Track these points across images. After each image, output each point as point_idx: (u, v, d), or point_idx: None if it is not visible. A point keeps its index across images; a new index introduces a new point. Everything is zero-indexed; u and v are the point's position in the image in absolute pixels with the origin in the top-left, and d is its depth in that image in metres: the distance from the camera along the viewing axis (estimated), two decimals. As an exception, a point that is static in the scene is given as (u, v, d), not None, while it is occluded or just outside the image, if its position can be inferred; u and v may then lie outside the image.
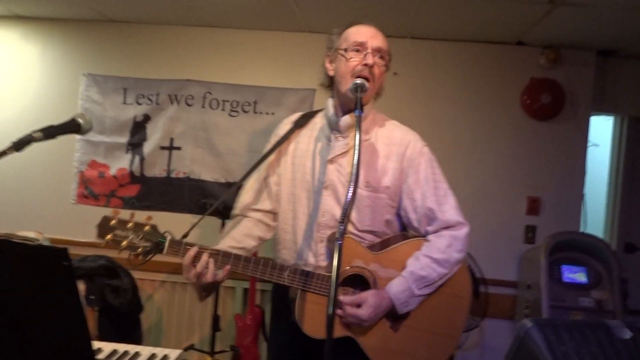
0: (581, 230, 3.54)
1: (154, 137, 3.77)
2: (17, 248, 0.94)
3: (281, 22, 3.54)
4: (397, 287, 1.69)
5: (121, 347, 1.46)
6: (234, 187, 1.93)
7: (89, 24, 3.83)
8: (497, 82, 3.60)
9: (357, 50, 1.73)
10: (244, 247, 1.83)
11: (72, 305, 0.98)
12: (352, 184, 1.38)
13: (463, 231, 1.77)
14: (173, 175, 3.77)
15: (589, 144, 3.56)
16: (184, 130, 3.76)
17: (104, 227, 1.60)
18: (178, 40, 3.78)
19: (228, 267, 1.65)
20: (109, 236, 1.58)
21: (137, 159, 3.79)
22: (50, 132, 1.37)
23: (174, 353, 1.44)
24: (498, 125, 3.60)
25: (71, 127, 1.45)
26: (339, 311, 1.67)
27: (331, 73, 1.82)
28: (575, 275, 3.21)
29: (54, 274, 0.95)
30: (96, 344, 1.48)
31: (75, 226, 3.70)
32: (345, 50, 1.74)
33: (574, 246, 3.27)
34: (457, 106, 3.62)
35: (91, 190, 3.81)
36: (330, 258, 1.73)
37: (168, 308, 3.74)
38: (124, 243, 1.58)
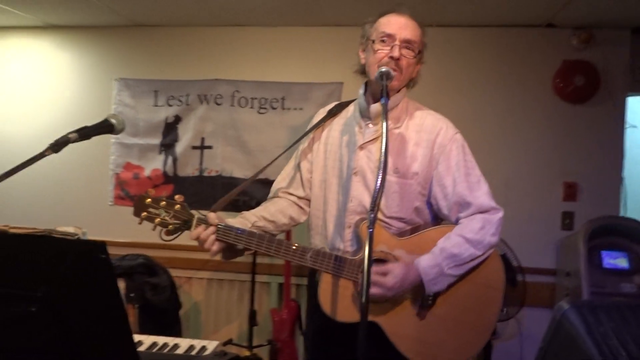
0: (621, 214, 3.44)
1: (186, 137, 3.84)
2: (57, 243, 0.97)
3: (307, 17, 3.55)
4: (427, 262, 1.66)
5: (161, 340, 1.49)
6: (255, 175, 1.94)
7: (118, 29, 3.92)
8: (528, 67, 3.53)
9: (384, 41, 1.73)
10: (274, 221, 1.85)
11: (113, 298, 1.01)
12: (381, 171, 1.38)
13: (497, 215, 1.73)
14: (205, 174, 3.83)
15: (627, 125, 3.46)
16: (214, 129, 3.81)
17: (139, 205, 1.68)
18: (205, 40, 3.84)
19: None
20: (144, 214, 1.66)
21: (170, 160, 3.86)
22: (84, 133, 1.41)
23: (211, 344, 1.47)
24: (530, 111, 3.53)
25: (105, 127, 1.49)
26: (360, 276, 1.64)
27: (363, 62, 1.83)
28: (616, 260, 3.13)
29: (93, 267, 0.98)
30: (137, 337, 1.52)
31: (113, 227, 3.80)
32: (374, 41, 1.75)
33: (613, 231, 3.18)
34: (486, 94, 3.56)
35: (127, 191, 3.90)
36: (357, 244, 1.75)
37: (206, 304, 3.80)
38: (157, 220, 1.66)
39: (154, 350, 1.43)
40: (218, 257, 1.74)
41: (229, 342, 3.47)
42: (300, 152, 1.95)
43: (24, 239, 0.98)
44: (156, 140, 3.88)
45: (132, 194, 3.89)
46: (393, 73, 1.66)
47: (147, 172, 3.88)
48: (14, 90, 4.04)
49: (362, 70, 1.85)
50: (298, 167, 1.94)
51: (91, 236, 3.84)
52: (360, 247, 1.73)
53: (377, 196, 1.36)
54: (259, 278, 3.60)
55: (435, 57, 3.52)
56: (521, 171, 3.52)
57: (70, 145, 1.52)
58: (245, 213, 1.83)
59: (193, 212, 1.69)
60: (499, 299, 1.76)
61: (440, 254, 1.67)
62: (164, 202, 1.66)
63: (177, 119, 3.87)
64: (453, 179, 1.76)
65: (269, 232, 1.82)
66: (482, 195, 1.75)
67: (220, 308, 3.79)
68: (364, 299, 1.29)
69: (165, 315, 3.11)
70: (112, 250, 3.14)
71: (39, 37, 4.01)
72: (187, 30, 3.85)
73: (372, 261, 1.31)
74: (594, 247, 3.16)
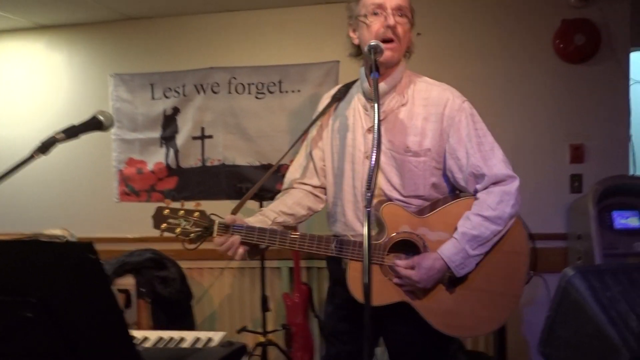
0: (630, 173, 3.38)
1: (185, 128, 3.81)
2: (44, 247, 0.96)
3: (297, -4, 3.49)
4: (450, 250, 1.67)
5: (166, 334, 1.49)
6: (271, 170, 1.90)
7: (110, 25, 3.88)
8: (527, 30, 3.44)
9: (377, 14, 1.69)
10: (293, 214, 1.85)
11: (106, 297, 0.99)
12: (375, 149, 1.35)
13: (514, 185, 1.72)
14: (208, 163, 3.81)
15: (631, 82, 3.38)
16: (213, 118, 3.78)
17: (158, 217, 1.66)
18: (198, 28, 3.79)
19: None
20: (164, 225, 1.64)
21: (171, 152, 3.85)
22: (72, 132, 1.39)
23: (217, 335, 1.46)
24: (531, 74, 3.45)
25: (92, 124, 1.46)
26: (396, 280, 1.67)
27: (356, 42, 1.79)
28: (628, 220, 3.08)
29: (84, 268, 0.96)
30: (142, 333, 1.52)
31: (120, 223, 3.81)
32: (365, 16, 1.70)
33: (623, 191, 3.13)
34: (486, 60, 3.49)
35: (132, 187, 3.90)
36: (377, 227, 1.74)
37: (218, 293, 3.81)
38: (178, 230, 1.64)
39: (160, 345, 1.42)
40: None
41: (243, 329, 3.49)
42: (310, 141, 1.93)
43: (10, 245, 0.96)
44: (156, 134, 3.86)
45: (137, 189, 3.89)
46: (382, 46, 1.61)
47: (150, 166, 3.87)
48: (9, 93, 4.02)
49: (357, 52, 1.82)
50: (310, 155, 1.92)
51: (99, 234, 3.87)
52: (381, 230, 1.72)
53: (372, 174, 1.33)
54: (269, 264, 3.59)
55: (433, 25, 3.52)
56: (526, 136, 3.46)
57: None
58: (264, 210, 1.83)
59: (213, 217, 1.68)
60: (525, 262, 1.78)
61: (463, 239, 1.67)
62: (182, 212, 1.66)
63: (176, 111, 3.84)
64: (466, 150, 1.74)
65: (289, 225, 1.82)
66: (497, 163, 1.73)
67: (233, 296, 3.80)
68: (366, 279, 1.27)
69: (178, 307, 3.13)
70: (121, 247, 3.16)
71: (30, 39, 3.98)
72: (179, 19, 3.80)
73: (371, 243, 1.29)
74: (604, 208, 3.11)
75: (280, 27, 3.69)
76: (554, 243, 3.41)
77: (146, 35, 3.86)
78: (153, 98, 3.86)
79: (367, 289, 1.29)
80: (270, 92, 3.72)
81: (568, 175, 3.43)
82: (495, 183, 1.73)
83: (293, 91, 3.70)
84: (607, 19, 3.32)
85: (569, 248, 3.37)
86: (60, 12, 3.63)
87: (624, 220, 3.08)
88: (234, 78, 3.75)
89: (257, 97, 3.74)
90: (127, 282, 3.06)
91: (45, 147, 1.34)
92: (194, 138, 3.81)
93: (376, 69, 1.52)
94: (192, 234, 1.64)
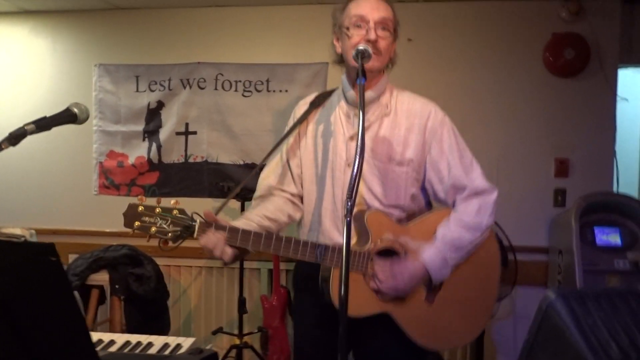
0: (614, 190, 3.39)
1: (169, 123, 3.74)
2: (2, 247, 0.90)
3: (289, -5, 3.44)
4: (429, 253, 1.67)
5: (134, 338, 1.43)
6: (255, 170, 1.87)
7: (97, 13, 3.79)
8: (517, 41, 3.44)
9: (359, 26, 1.67)
10: (276, 220, 1.79)
11: (66, 301, 0.94)
12: (358, 157, 1.32)
13: (492, 196, 1.75)
14: (191, 160, 3.75)
15: (618, 98, 3.38)
16: (198, 114, 3.72)
17: (131, 214, 1.54)
18: (186, 22, 3.72)
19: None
20: (137, 223, 1.52)
21: (154, 146, 3.77)
22: (43, 124, 1.32)
23: (187, 342, 1.41)
24: (520, 86, 3.45)
25: (66, 117, 1.40)
26: (374, 284, 1.65)
27: (339, 50, 1.77)
28: (609, 237, 3.08)
29: (43, 270, 0.91)
30: (109, 336, 1.46)
31: (98, 217, 3.72)
32: (347, 28, 1.69)
33: (606, 207, 3.13)
34: (476, 69, 3.48)
35: (112, 180, 3.82)
36: (358, 235, 1.71)
37: (195, 293, 3.75)
38: (153, 229, 1.52)
39: (126, 350, 1.36)
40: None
41: (219, 330, 3.44)
42: (287, 149, 1.87)
43: (-35, 244, 0.91)
44: (139, 127, 3.78)
45: (117, 183, 3.81)
46: (370, 50, 1.58)
47: (131, 160, 3.79)
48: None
49: (340, 60, 1.80)
50: (287, 163, 1.87)
51: (76, 227, 3.79)
52: (365, 237, 1.69)
53: (354, 184, 1.29)
54: (248, 265, 3.54)
55: (422, 33, 3.49)
56: (512, 148, 3.46)
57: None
58: (247, 214, 1.77)
59: (195, 215, 1.56)
60: (496, 276, 1.82)
61: (442, 242, 1.69)
62: (159, 209, 1.53)
63: (160, 105, 3.77)
64: (447, 162, 1.75)
65: (272, 231, 1.75)
66: (477, 177, 1.76)
67: (210, 296, 3.74)
68: (342, 292, 1.24)
69: (152, 306, 3.06)
70: (98, 241, 3.08)
71: (14, 24, 3.87)
72: (168, 12, 3.73)
73: (349, 252, 1.25)
74: (587, 223, 3.11)
75: (270, 25, 3.64)
76: (535, 256, 3.41)
77: (133, 26, 3.78)
78: (137, 90, 3.78)
79: (343, 303, 1.25)
80: (258, 91, 3.67)
81: (552, 189, 3.43)
82: (475, 194, 1.75)
83: (280, 91, 3.65)
84: (597, 34, 3.33)
85: (550, 262, 3.37)
86: (46, -3, 3.54)
87: (606, 236, 3.08)
88: (221, 74, 3.69)
89: (243, 95, 3.68)
90: (102, 277, 2.98)
91: (14, 138, 1.27)
92: (178, 133, 3.74)
93: (363, 74, 1.49)
94: (170, 234, 1.52)
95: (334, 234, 1.76)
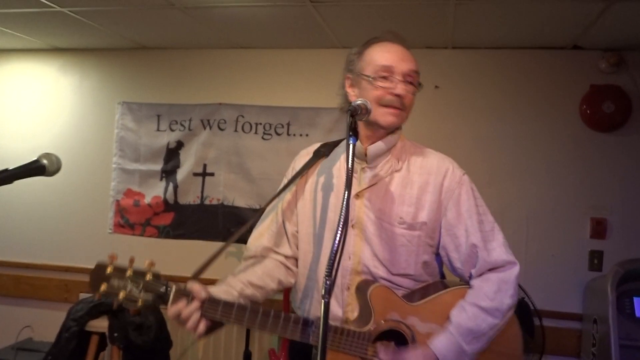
0: (656, 255, 3.10)
1: (187, 163, 3.68)
2: None
3: (312, 39, 3.36)
4: (443, 343, 1.43)
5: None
6: (246, 227, 1.63)
7: (123, 52, 3.82)
8: (552, 92, 3.24)
9: (384, 77, 1.49)
10: (263, 287, 1.59)
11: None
12: (341, 226, 1.15)
13: (513, 272, 1.51)
14: (207, 202, 3.65)
15: (662, 156, 3.13)
16: (216, 155, 3.64)
17: (97, 276, 1.38)
18: (210, 63, 3.70)
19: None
20: (103, 286, 1.36)
21: (170, 187, 3.71)
22: (5, 177, 1.21)
23: None
24: (554, 139, 3.23)
25: (33, 169, 1.28)
26: None
27: (353, 99, 1.56)
28: (650, 309, 2.79)
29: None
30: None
31: (110, 256, 3.64)
32: (373, 77, 1.50)
33: (647, 275, 2.85)
34: (507, 121, 3.28)
35: (127, 219, 3.75)
36: (359, 310, 1.49)
37: (202, 343, 3.59)
38: (122, 295, 1.35)
39: None
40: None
41: (223, 384, 3.25)
42: (282, 206, 1.68)
43: None
44: (157, 167, 3.73)
45: (132, 222, 3.74)
46: (361, 108, 1.41)
47: (147, 199, 3.73)
48: (16, 113, 3.97)
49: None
50: (283, 222, 1.67)
51: (89, 265, 3.65)
52: (366, 315, 1.46)
53: (334, 258, 1.12)
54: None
55: (450, 80, 3.33)
56: (544, 204, 3.21)
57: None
58: (230, 279, 1.56)
59: (170, 282, 1.38)
60: None
61: (457, 331, 1.45)
62: (129, 272, 1.37)
63: (180, 145, 3.72)
64: (465, 228, 1.53)
65: (256, 300, 1.56)
66: (497, 247, 1.52)
67: (218, 347, 3.56)
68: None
69: (152, 356, 2.91)
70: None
71: (43, 60, 3.95)
72: (191, 52, 3.72)
73: (326, 337, 1.08)
74: (625, 292, 2.83)
75: (293, 68, 3.57)
76: (568, 323, 3.13)
77: (158, 66, 3.78)
78: (158, 129, 3.75)
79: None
80: (278, 134, 3.58)
81: (587, 251, 3.16)
82: (494, 269, 1.51)
83: (301, 135, 3.55)
84: (639, 87, 3.10)
85: (584, 331, 3.08)
86: (76, 36, 3.57)
87: (646, 309, 2.79)
88: (242, 116, 3.63)
89: (263, 138, 3.59)
90: (101, 324, 2.86)
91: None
92: (195, 174, 3.67)
93: (354, 133, 1.32)
94: (140, 302, 1.35)
95: (332, 304, 1.53)
